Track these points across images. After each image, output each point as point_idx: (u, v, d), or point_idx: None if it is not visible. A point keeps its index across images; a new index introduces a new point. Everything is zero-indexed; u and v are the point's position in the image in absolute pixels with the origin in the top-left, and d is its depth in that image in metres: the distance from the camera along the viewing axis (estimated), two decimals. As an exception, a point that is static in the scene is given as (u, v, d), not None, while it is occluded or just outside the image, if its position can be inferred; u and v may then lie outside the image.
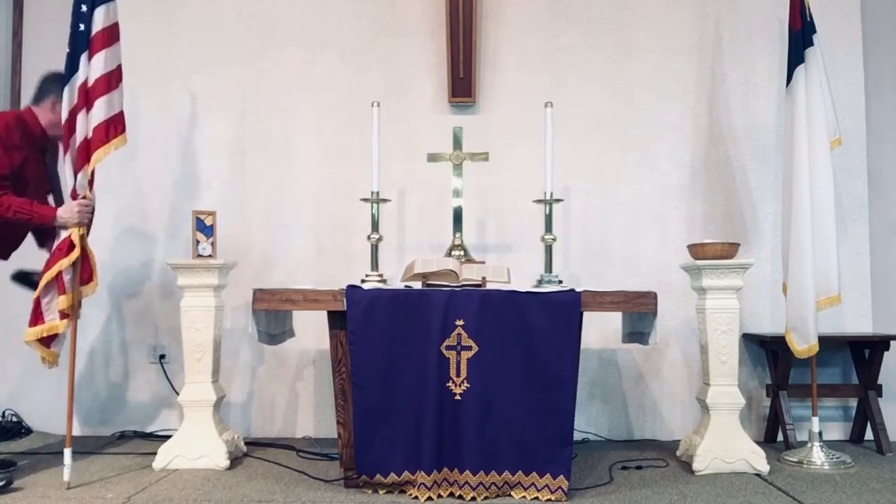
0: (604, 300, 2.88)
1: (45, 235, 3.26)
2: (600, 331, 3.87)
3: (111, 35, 2.99)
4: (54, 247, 2.96)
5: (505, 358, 2.79)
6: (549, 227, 3.31)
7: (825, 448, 3.32)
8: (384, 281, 3.21)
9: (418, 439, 2.76)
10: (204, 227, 3.29)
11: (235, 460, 3.30)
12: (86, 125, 2.90)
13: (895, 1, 4.10)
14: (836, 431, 3.85)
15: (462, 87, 3.93)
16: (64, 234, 2.91)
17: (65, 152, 2.94)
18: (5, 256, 3.26)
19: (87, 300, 3.95)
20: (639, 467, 3.24)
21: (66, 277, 2.87)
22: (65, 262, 2.85)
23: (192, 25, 4.06)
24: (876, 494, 2.83)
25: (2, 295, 4.09)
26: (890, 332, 3.74)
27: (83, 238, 2.90)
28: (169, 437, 3.30)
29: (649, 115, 3.99)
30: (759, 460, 3.11)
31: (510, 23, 4.04)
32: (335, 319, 2.93)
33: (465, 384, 2.78)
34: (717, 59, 4.01)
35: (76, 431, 3.92)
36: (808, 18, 3.48)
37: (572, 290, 2.87)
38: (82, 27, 2.96)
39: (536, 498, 2.74)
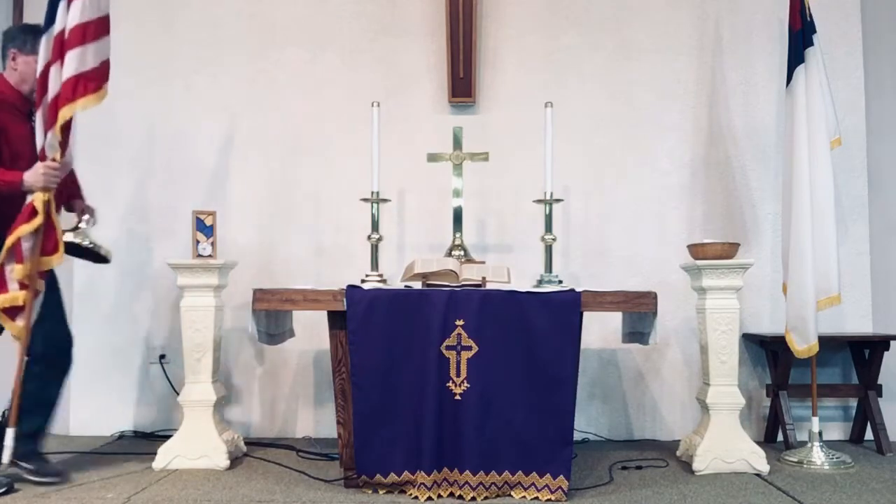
0: (604, 300, 2.88)
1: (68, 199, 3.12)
2: (600, 331, 3.87)
3: None
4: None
5: (505, 358, 2.79)
6: (549, 227, 3.31)
7: (825, 448, 3.32)
8: (384, 281, 3.21)
9: (418, 439, 2.76)
10: (204, 227, 3.29)
11: (235, 460, 3.30)
12: (58, 80, 2.68)
13: (895, 1, 4.10)
14: (836, 431, 3.85)
15: (462, 87, 3.93)
16: (29, 199, 2.71)
17: (36, 109, 2.73)
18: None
19: (87, 299, 3.99)
20: (639, 467, 3.24)
21: (25, 245, 2.64)
22: (25, 229, 2.63)
23: (191, 25, 4.06)
24: (876, 494, 2.83)
25: (2, 295, 4.09)
26: (890, 332, 3.73)
27: (48, 204, 2.67)
28: (169, 437, 3.30)
29: (649, 115, 3.99)
30: (759, 460, 3.11)
31: (510, 23, 4.04)
32: (335, 319, 2.93)
33: (465, 384, 2.78)
34: (717, 59, 4.01)
35: (76, 431, 3.93)
36: (808, 18, 3.48)
37: (572, 290, 2.87)
38: None
39: (536, 498, 2.74)
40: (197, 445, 3.18)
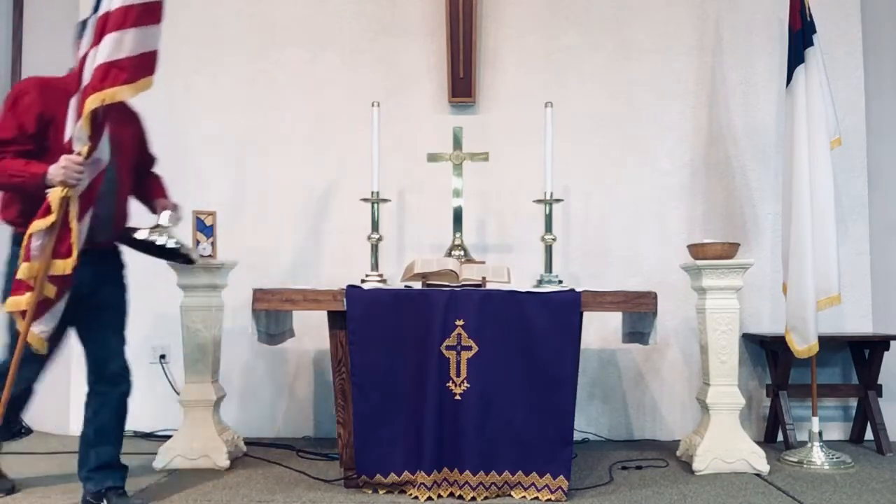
0: (604, 300, 2.88)
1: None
2: (600, 331, 3.87)
3: None
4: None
5: (505, 358, 2.79)
6: (549, 227, 3.31)
7: (825, 448, 3.32)
8: (384, 281, 3.21)
9: (418, 439, 2.76)
10: (204, 227, 3.29)
11: (235, 460, 3.30)
12: (91, 66, 2.40)
13: (895, 1, 4.10)
14: (836, 431, 3.86)
15: (462, 87, 3.93)
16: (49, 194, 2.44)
17: (72, 96, 2.46)
18: None
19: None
20: (639, 467, 3.24)
21: (36, 243, 2.37)
22: (37, 225, 2.36)
23: (192, 25, 4.05)
24: (876, 494, 2.83)
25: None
26: (890, 332, 3.73)
27: (65, 202, 2.37)
28: (169, 437, 3.30)
29: (649, 115, 3.99)
30: (759, 460, 3.11)
31: (510, 23, 4.04)
32: (335, 319, 2.93)
33: (465, 384, 2.78)
34: (717, 59, 4.01)
35: (76, 431, 3.92)
36: (808, 18, 3.48)
37: (572, 290, 2.87)
38: None
39: (536, 498, 2.74)
40: (197, 445, 3.18)
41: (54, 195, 2.36)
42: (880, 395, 3.62)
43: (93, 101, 2.35)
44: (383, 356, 2.81)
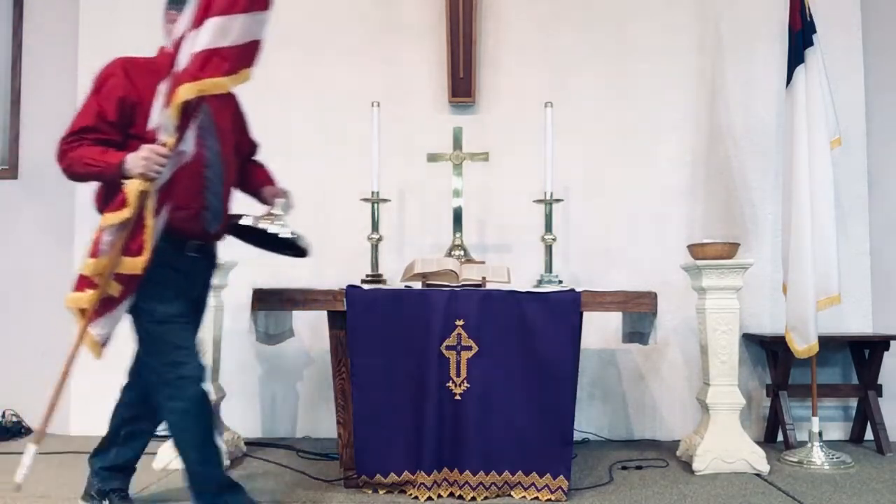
0: (604, 300, 2.88)
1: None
2: (600, 331, 3.87)
3: None
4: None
5: (505, 358, 2.79)
6: (549, 227, 3.31)
7: (825, 448, 3.32)
8: (384, 281, 3.21)
9: (418, 439, 2.76)
10: (204, 227, 3.28)
11: (235, 460, 3.30)
12: (189, 50, 2.17)
13: (895, 1, 4.10)
14: (836, 431, 3.85)
15: (462, 87, 3.93)
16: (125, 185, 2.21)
17: (162, 79, 2.23)
18: None
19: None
20: (639, 467, 3.24)
21: (106, 238, 2.16)
22: (110, 219, 2.16)
23: (192, 25, 4.05)
24: (876, 494, 2.83)
25: (1, 293, 4.10)
26: (890, 332, 3.73)
27: (142, 196, 2.15)
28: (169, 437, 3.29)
29: (649, 115, 3.99)
30: (759, 460, 3.11)
31: (510, 23, 4.04)
32: (335, 319, 2.93)
33: (465, 384, 2.78)
34: (717, 59, 4.01)
35: (75, 431, 3.93)
36: (808, 18, 3.48)
37: (572, 290, 2.87)
38: None
39: (536, 498, 2.74)
40: (197, 445, 3.17)
41: (131, 188, 2.15)
42: (880, 395, 3.62)
43: (188, 91, 2.13)
44: (383, 356, 2.80)
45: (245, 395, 3.92)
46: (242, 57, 2.19)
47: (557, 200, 3.37)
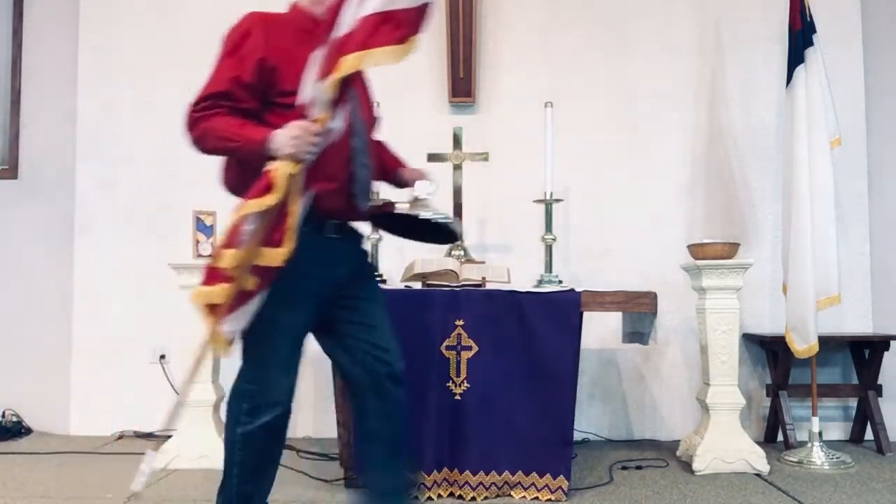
0: (604, 300, 2.88)
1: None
2: (600, 331, 3.87)
3: None
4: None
5: (505, 358, 2.79)
6: (549, 227, 3.31)
7: (825, 448, 3.32)
8: (384, 281, 3.21)
9: (418, 439, 2.75)
10: (204, 227, 3.29)
11: (235, 460, 3.29)
12: (354, 14, 1.88)
13: (895, 1, 4.10)
14: (836, 431, 3.85)
15: (462, 87, 3.93)
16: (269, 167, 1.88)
17: (317, 45, 1.92)
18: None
19: (87, 299, 3.99)
20: (639, 467, 3.23)
21: (247, 228, 1.87)
22: (252, 206, 1.85)
23: (192, 25, 4.05)
24: (876, 494, 2.83)
25: (1, 293, 4.10)
26: (890, 332, 3.73)
27: (291, 180, 1.86)
28: (169, 437, 3.30)
29: (649, 115, 3.99)
30: (759, 460, 3.11)
31: (510, 23, 4.04)
32: (335, 319, 2.92)
33: (465, 384, 2.78)
34: (717, 59, 4.01)
35: (75, 431, 3.93)
36: (808, 18, 3.48)
37: (572, 290, 2.87)
38: None
39: (536, 498, 2.74)
40: (197, 445, 3.18)
41: (281, 171, 1.85)
42: (880, 395, 3.62)
43: (355, 62, 1.85)
44: (383, 356, 2.80)
45: (245, 395, 3.92)
46: (415, 22, 1.92)
47: (557, 200, 3.37)
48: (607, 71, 4.01)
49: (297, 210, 1.89)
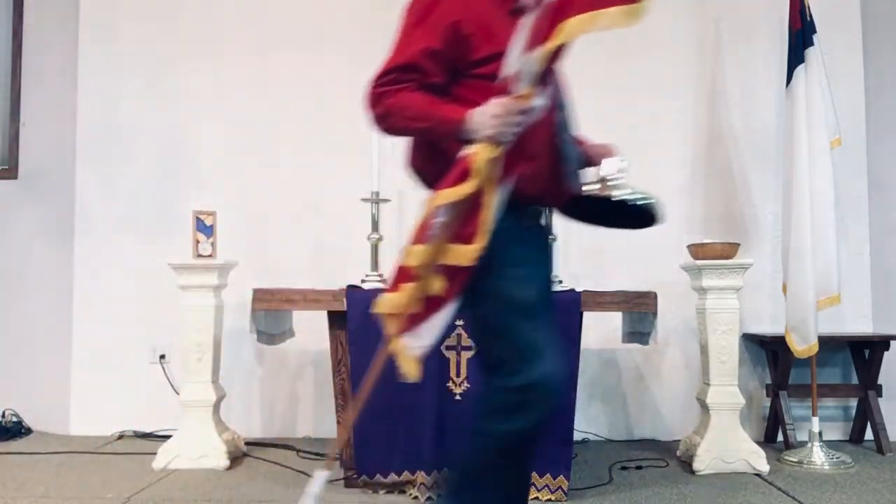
0: (604, 300, 2.88)
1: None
2: (600, 331, 3.86)
3: None
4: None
5: (505, 358, 2.78)
6: (548, 228, 3.30)
7: (825, 448, 3.32)
8: (384, 281, 3.20)
9: (418, 439, 2.76)
10: (204, 227, 3.29)
11: (235, 460, 3.29)
12: None
13: (895, 1, 4.10)
14: (836, 431, 3.85)
15: (462, 87, 3.91)
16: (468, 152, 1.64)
17: (524, 10, 1.68)
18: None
19: (87, 299, 3.98)
20: (639, 467, 3.23)
21: (438, 220, 1.64)
22: (448, 195, 1.63)
23: (192, 25, 4.05)
24: (876, 494, 2.83)
25: (1, 293, 4.10)
26: (890, 332, 3.73)
27: (490, 165, 1.62)
28: (169, 437, 3.30)
29: (649, 115, 3.99)
30: (759, 460, 3.11)
31: (510, 23, 4.03)
32: (335, 319, 2.93)
33: (466, 384, 2.78)
34: (717, 59, 4.01)
35: (76, 431, 3.93)
36: (808, 18, 3.48)
37: (572, 290, 2.87)
38: None
39: (536, 498, 2.73)
40: (197, 445, 3.18)
41: (480, 156, 1.61)
42: (880, 395, 3.62)
43: (580, 26, 1.60)
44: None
45: (245, 395, 3.92)
46: None
47: (557, 200, 3.37)
48: (607, 71, 4.01)
49: (492, 201, 1.65)
